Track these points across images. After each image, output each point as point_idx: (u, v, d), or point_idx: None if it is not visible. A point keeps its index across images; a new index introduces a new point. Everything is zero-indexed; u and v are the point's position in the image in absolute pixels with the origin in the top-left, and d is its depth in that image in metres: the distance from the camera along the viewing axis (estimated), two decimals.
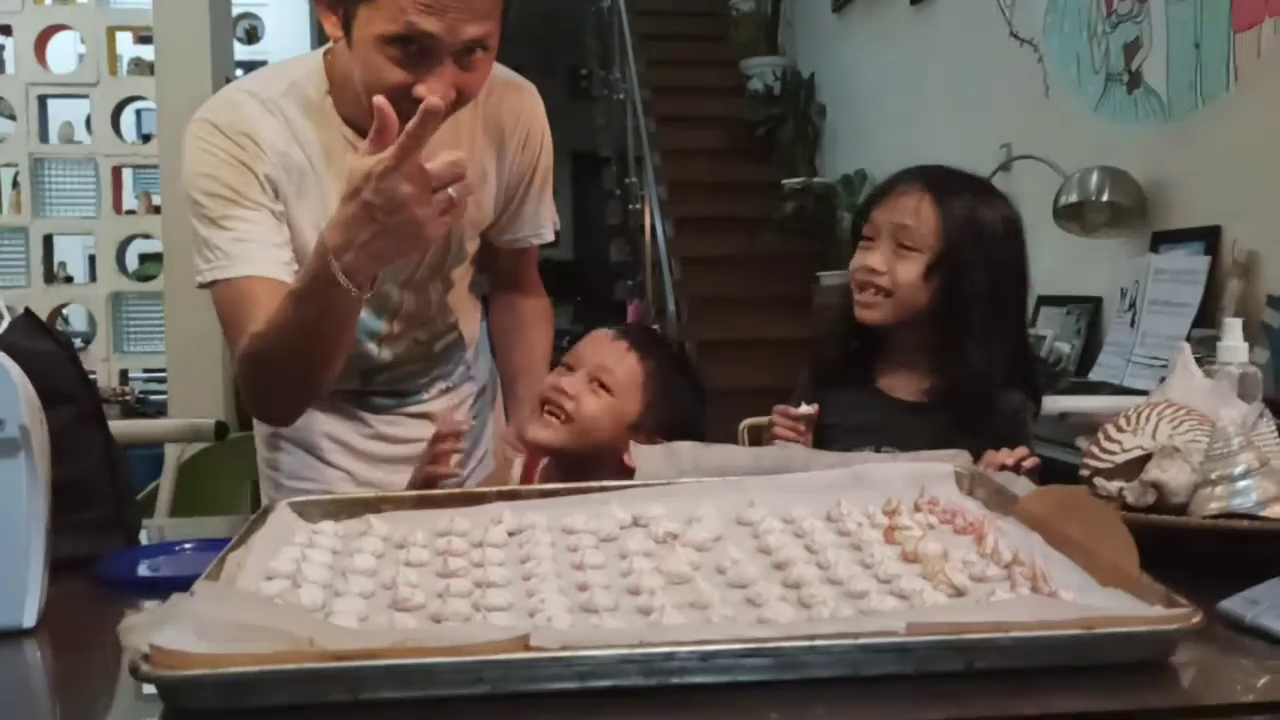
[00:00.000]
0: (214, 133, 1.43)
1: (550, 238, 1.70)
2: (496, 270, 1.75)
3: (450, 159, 1.20)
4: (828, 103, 6.37)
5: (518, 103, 1.57)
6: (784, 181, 6.04)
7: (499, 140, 1.56)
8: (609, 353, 1.52)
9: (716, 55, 7.28)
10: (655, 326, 5.42)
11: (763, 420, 2.08)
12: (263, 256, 1.41)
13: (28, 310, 1.21)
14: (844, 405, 1.57)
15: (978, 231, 1.51)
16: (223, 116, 1.44)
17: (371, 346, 1.60)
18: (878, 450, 1.48)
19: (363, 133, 1.43)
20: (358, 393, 1.64)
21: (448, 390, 1.70)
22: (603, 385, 1.50)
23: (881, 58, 5.54)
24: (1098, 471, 1.18)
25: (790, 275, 5.61)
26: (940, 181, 1.54)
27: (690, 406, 1.56)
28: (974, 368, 1.50)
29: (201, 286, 1.45)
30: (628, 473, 1.45)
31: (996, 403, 1.52)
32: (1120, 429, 1.19)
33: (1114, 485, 1.14)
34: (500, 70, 1.55)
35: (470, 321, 1.72)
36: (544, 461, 1.54)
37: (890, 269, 1.50)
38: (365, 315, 1.55)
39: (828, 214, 5.78)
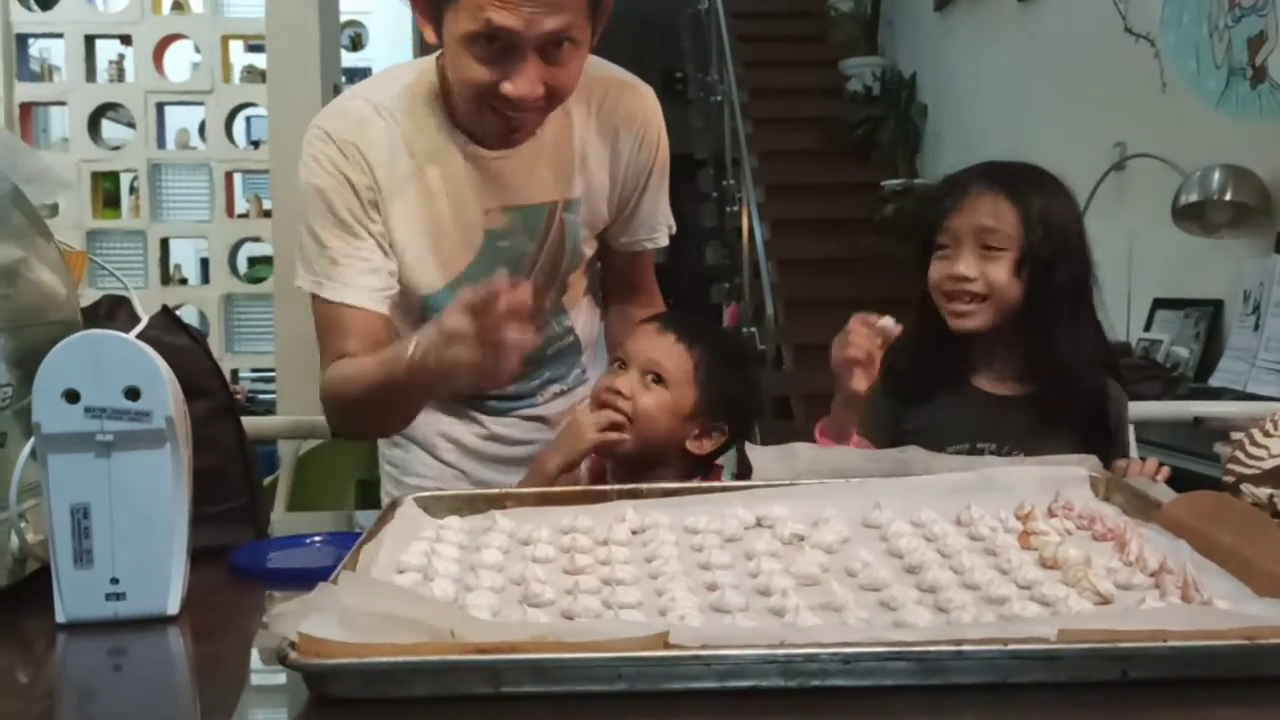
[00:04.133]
0: (326, 141, 1.47)
1: (665, 241, 1.68)
2: (611, 275, 1.74)
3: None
4: (929, 102, 6.28)
5: (633, 102, 1.57)
6: (884, 183, 5.96)
7: (613, 140, 1.56)
8: (658, 346, 1.51)
9: (815, 56, 7.22)
10: (753, 330, 5.40)
11: None
12: (354, 284, 1.47)
13: (165, 307, 1.24)
14: (940, 404, 1.55)
15: (1054, 222, 1.50)
16: (335, 124, 1.48)
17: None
18: (974, 447, 1.47)
19: (470, 134, 1.47)
20: (470, 394, 1.65)
21: (562, 394, 1.69)
22: (657, 379, 1.50)
23: (987, 56, 5.43)
24: (1244, 478, 1.13)
25: (891, 278, 5.50)
26: (1009, 177, 1.53)
27: (741, 391, 1.56)
28: (1065, 359, 1.49)
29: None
30: (690, 460, 1.51)
31: (1088, 392, 1.50)
32: (1267, 433, 1.14)
33: (1263, 491, 1.10)
34: (615, 70, 1.55)
35: (587, 324, 1.71)
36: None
37: (980, 273, 1.48)
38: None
39: None
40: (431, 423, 1.64)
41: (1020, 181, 1.53)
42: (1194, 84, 3.60)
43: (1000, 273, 1.48)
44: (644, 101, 1.59)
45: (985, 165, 1.58)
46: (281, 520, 1.69)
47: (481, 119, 1.42)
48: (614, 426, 1.47)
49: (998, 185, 1.51)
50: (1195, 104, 3.58)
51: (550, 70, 1.35)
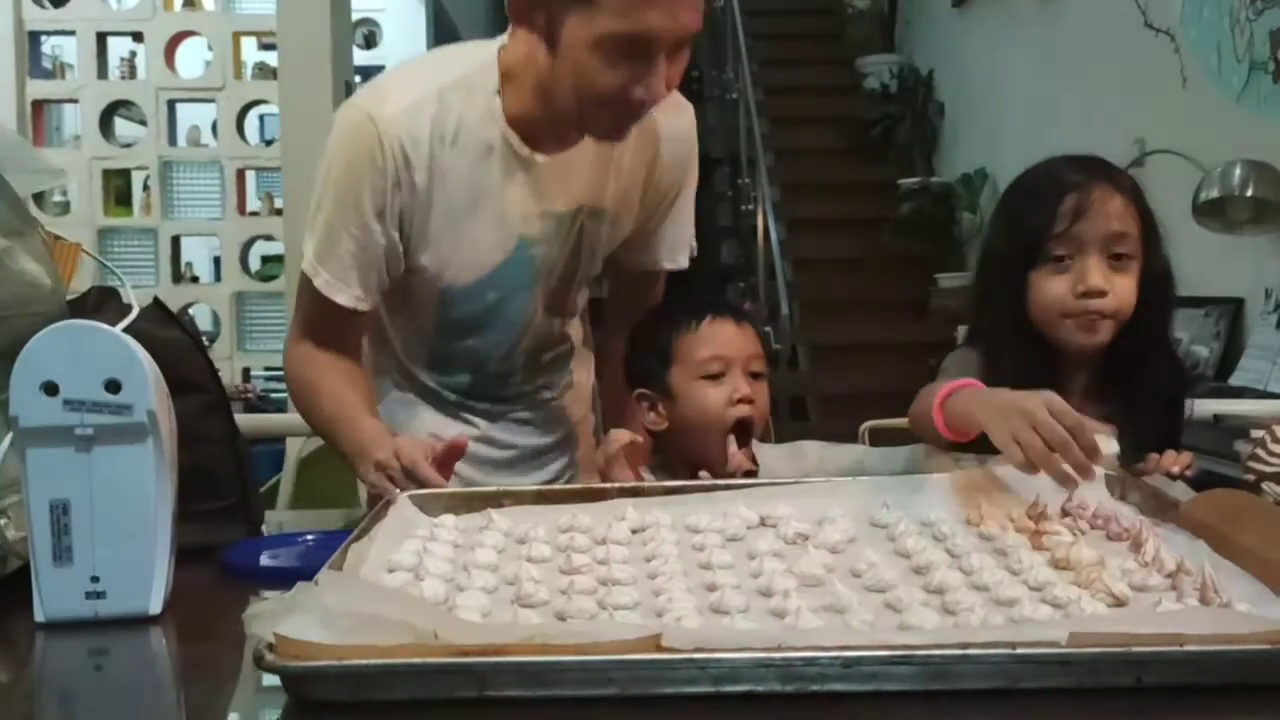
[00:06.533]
0: (369, 127, 1.37)
1: (685, 264, 1.63)
2: (621, 294, 1.68)
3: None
4: (946, 100, 6.23)
5: (676, 122, 1.52)
6: (900, 181, 5.92)
7: (652, 156, 1.51)
8: (752, 341, 1.52)
9: (831, 54, 7.18)
10: (768, 330, 5.37)
11: (886, 423, 2.01)
12: (350, 285, 1.43)
13: (157, 300, 1.22)
14: None
15: (1158, 225, 1.37)
16: (384, 109, 1.38)
17: (493, 357, 1.57)
18: None
19: (525, 134, 1.41)
20: (463, 393, 1.60)
21: (549, 400, 1.66)
22: (758, 374, 1.51)
23: (1005, 53, 5.39)
24: (1265, 476, 1.10)
25: (907, 277, 5.49)
26: (1119, 175, 1.38)
27: None
28: (1174, 377, 1.39)
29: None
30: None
31: (1182, 413, 1.40)
32: None
33: None
34: None
35: (579, 328, 1.68)
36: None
37: (1111, 286, 1.32)
38: (496, 334, 1.54)
39: (946, 214, 5.64)
40: (423, 425, 1.60)
41: (1125, 178, 1.37)
42: (1215, 79, 3.55)
43: (1128, 287, 1.33)
44: (686, 122, 1.55)
45: (1075, 160, 1.40)
46: (284, 518, 1.67)
47: (596, 117, 1.35)
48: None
49: (1116, 183, 1.34)
50: (1216, 99, 3.53)
51: (669, 69, 1.29)
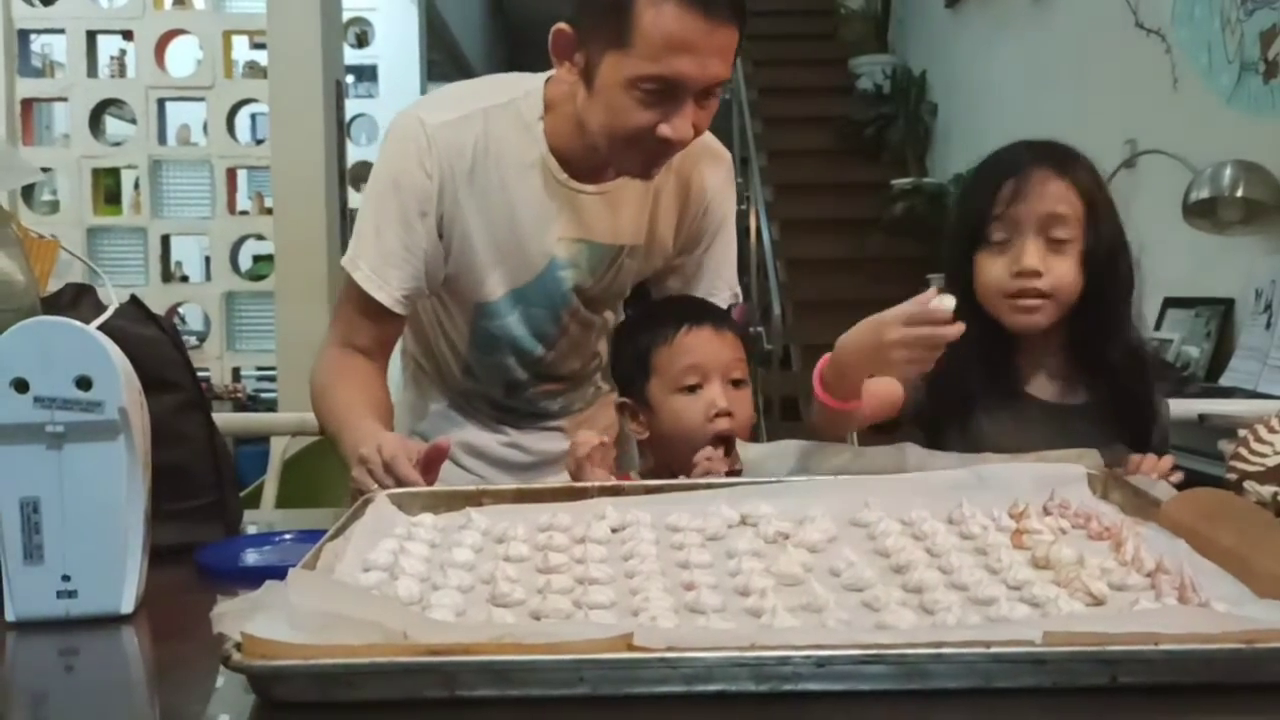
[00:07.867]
0: (419, 130, 1.46)
1: (725, 303, 1.64)
2: None
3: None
4: (939, 100, 6.23)
5: (712, 173, 1.59)
6: (893, 182, 5.91)
7: (682, 203, 1.58)
8: (731, 348, 1.49)
9: (825, 54, 7.19)
10: (760, 329, 5.36)
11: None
12: (391, 283, 1.48)
13: (134, 297, 1.21)
14: (994, 415, 1.40)
15: (1110, 207, 1.39)
16: (435, 116, 1.47)
17: (521, 371, 1.61)
18: None
19: (565, 162, 1.48)
20: (496, 406, 1.65)
21: (581, 409, 1.69)
22: (738, 381, 1.50)
23: (998, 53, 5.39)
24: (1247, 475, 1.09)
25: (900, 278, 5.46)
26: (1063, 157, 1.40)
27: None
28: (1136, 362, 1.38)
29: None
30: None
31: (1146, 396, 1.40)
32: (1272, 429, 1.10)
33: (1267, 489, 1.05)
34: (704, 136, 1.52)
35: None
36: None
37: (1047, 268, 1.35)
38: (525, 337, 1.57)
39: (939, 215, 5.63)
40: (453, 433, 1.62)
41: (1072, 161, 1.39)
42: (1206, 79, 3.55)
43: (1067, 268, 1.35)
44: (722, 174, 1.61)
45: (1030, 144, 1.43)
46: (265, 518, 1.66)
47: (625, 155, 1.42)
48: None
49: (1058, 166, 1.37)
50: (1207, 100, 3.53)
51: (698, 114, 1.37)
